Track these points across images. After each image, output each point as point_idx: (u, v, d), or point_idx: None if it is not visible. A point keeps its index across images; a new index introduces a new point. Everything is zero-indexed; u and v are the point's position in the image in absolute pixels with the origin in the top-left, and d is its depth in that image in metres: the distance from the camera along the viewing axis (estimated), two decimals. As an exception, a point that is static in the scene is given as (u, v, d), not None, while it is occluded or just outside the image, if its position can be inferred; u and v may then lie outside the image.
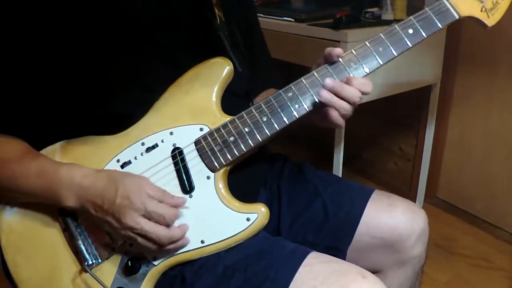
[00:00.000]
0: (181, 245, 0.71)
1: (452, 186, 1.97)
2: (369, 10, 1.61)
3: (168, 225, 0.69)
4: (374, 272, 0.86)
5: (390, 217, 0.85)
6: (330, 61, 0.72)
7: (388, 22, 1.52)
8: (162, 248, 0.70)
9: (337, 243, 0.86)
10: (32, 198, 0.73)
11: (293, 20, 1.59)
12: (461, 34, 1.73)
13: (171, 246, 0.70)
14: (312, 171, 0.95)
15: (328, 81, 0.71)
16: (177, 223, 0.71)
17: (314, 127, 0.82)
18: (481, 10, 0.74)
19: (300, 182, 0.93)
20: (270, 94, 0.74)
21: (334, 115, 0.71)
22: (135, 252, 0.72)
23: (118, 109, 0.74)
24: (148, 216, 0.67)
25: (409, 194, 2.03)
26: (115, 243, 0.73)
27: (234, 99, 0.79)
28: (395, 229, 0.85)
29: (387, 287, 0.86)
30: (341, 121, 0.73)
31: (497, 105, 1.70)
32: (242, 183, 0.77)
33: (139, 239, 0.68)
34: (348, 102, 0.71)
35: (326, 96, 0.70)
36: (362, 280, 0.67)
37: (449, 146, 1.93)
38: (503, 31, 1.58)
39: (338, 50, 0.71)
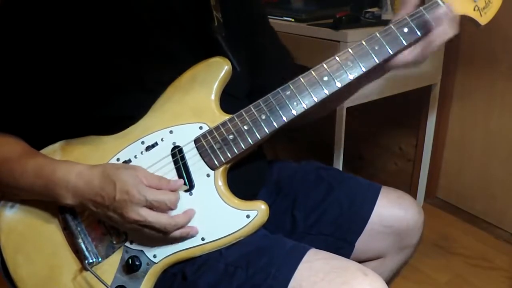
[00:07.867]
0: (188, 232, 0.71)
1: (452, 186, 1.97)
2: (369, 10, 1.61)
3: (171, 210, 0.69)
4: (376, 258, 0.95)
5: (400, 208, 0.93)
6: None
7: (388, 22, 1.51)
8: (169, 236, 0.70)
9: (348, 235, 0.91)
10: (33, 196, 0.73)
11: (293, 20, 1.59)
12: (461, 34, 1.73)
13: (177, 233, 0.70)
14: (323, 167, 0.99)
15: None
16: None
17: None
18: (474, 9, 0.75)
19: (313, 178, 0.96)
20: None
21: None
22: (135, 250, 0.73)
23: (118, 110, 0.74)
24: (150, 206, 0.67)
25: (409, 194, 2.02)
26: (115, 240, 0.73)
27: (233, 101, 0.79)
28: (405, 219, 0.92)
29: (384, 270, 0.94)
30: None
31: (497, 105, 1.70)
32: (242, 182, 0.78)
33: (146, 230, 0.68)
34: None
35: None
36: (364, 278, 0.66)
37: (449, 146, 1.93)
38: (503, 30, 1.58)
39: None
